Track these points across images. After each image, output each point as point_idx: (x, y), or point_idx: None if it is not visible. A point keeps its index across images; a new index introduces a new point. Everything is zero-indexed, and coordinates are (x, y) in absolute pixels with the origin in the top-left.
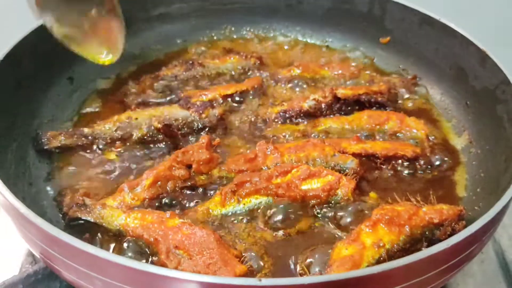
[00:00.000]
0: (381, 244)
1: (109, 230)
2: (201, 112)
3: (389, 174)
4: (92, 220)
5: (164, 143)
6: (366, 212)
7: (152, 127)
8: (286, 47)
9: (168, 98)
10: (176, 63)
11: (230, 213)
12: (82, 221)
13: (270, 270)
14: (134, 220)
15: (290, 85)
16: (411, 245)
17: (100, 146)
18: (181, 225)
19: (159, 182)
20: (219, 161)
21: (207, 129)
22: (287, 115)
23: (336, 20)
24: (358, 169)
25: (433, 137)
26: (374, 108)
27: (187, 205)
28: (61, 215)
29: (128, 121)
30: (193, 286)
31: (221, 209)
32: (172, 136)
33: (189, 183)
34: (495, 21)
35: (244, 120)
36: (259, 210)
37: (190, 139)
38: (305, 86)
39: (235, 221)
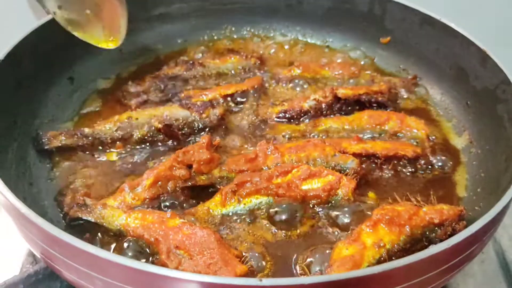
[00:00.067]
0: (381, 244)
1: (110, 230)
2: (201, 112)
3: (390, 174)
4: (92, 220)
5: (164, 143)
6: (366, 212)
7: (153, 127)
8: (286, 47)
9: (168, 98)
10: (176, 63)
11: (230, 213)
12: (83, 221)
13: (271, 270)
14: (135, 220)
15: (290, 85)
16: (411, 245)
17: (101, 146)
18: (182, 225)
19: (159, 182)
20: (219, 161)
21: (207, 129)
22: (287, 115)
23: (337, 20)
24: (359, 169)
25: (433, 137)
26: (375, 108)
27: (187, 205)
28: (61, 215)
29: (128, 121)
30: (193, 286)
31: (222, 209)
32: (173, 136)
33: (189, 183)
34: (495, 21)
35: (244, 120)
36: (263, 209)
37: (191, 139)
38: (305, 86)
39: (236, 221)
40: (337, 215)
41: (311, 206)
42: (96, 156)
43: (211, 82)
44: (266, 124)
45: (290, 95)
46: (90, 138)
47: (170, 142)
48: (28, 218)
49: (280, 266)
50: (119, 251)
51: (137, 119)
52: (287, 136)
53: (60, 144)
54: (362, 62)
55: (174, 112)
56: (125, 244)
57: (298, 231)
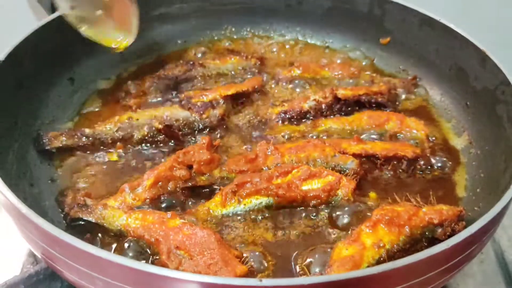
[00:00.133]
0: (381, 245)
1: (110, 231)
2: (201, 112)
3: (389, 175)
4: (93, 221)
5: (165, 143)
6: (366, 212)
7: (153, 128)
8: (286, 47)
9: (168, 99)
10: (176, 64)
11: (230, 214)
12: (84, 222)
13: (271, 270)
14: (135, 220)
15: (290, 85)
16: (411, 246)
17: (101, 147)
18: (182, 225)
19: (160, 183)
20: (220, 161)
21: (207, 129)
22: (287, 116)
23: (336, 20)
24: (358, 169)
25: (433, 137)
26: (374, 108)
27: (188, 205)
28: (62, 216)
29: (129, 122)
30: (194, 286)
31: (222, 209)
32: (173, 136)
33: (190, 183)
34: (495, 22)
35: (244, 120)
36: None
37: (191, 139)
38: (305, 86)
39: (236, 222)
40: (337, 216)
41: (311, 206)
42: (96, 156)
43: (211, 83)
44: (266, 124)
45: (290, 96)
46: (90, 138)
47: (170, 143)
48: (29, 218)
49: (280, 266)
50: (120, 251)
51: (137, 119)
52: (287, 136)
53: (60, 145)
54: (362, 63)
55: (174, 113)
56: (126, 245)
57: (298, 231)
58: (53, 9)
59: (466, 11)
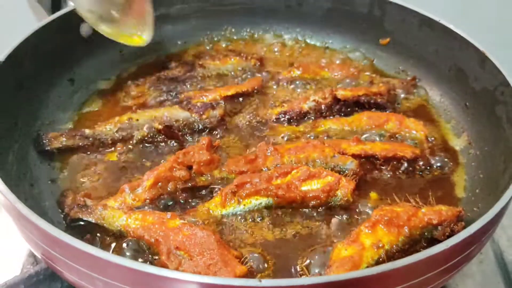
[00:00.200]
0: (380, 245)
1: (110, 231)
2: (201, 113)
3: (389, 175)
4: (93, 221)
5: (165, 144)
6: (365, 213)
7: (153, 128)
8: (286, 48)
9: (168, 99)
10: (176, 64)
11: (230, 214)
12: (83, 222)
13: (270, 271)
14: (135, 221)
15: (290, 86)
16: (410, 246)
17: (101, 147)
18: (182, 226)
19: (159, 183)
20: (219, 162)
21: (207, 130)
22: (287, 116)
23: (336, 21)
24: (358, 170)
25: (432, 138)
26: (374, 109)
27: (187, 206)
28: (62, 216)
29: (129, 122)
30: (193, 287)
31: (222, 209)
32: (173, 137)
33: (189, 184)
34: (494, 23)
35: (244, 121)
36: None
37: (191, 140)
38: (305, 87)
39: (236, 222)
40: (336, 216)
41: (311, 207)
42: (96, 157)
43: (211, 83)
44: (266, 125)
45: (289, 96)
46: (90, 139)
47: (170, 143)
48: (29, 219)
49: (279, 267)
50: (120, 252)
51: (137, 120)
52: (286, 137)
53: (60, 145)
54: (361, 63)
55: (174, 113)
56: (126, 245)
57: (298, 231)
58: (53, 9)
59: (466, 12)
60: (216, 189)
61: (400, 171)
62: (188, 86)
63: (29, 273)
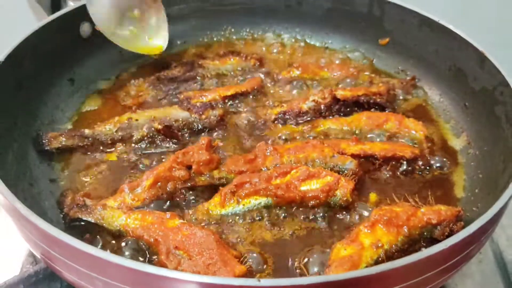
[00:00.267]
0: (379, 245)
1: (110, 231)
2: (201, 113)
3: (388, 175)
4: (92, 221)
5: (164, 144)
6: (364, 212)
7: (153, 128)
8: (285, 48)
9: (168, 99)
10: (176, 64)
11: (229, 214)
12: (83, 222)
13: (270, 271)
14: (135, 220)
15: (289, 86)
16: (409, 246)
17: (101, 147)
18: (181, 225)
19: (159, 183)
20: (219, 162)
21: (207, 130)
22: (286, 116)
23: (336, 21)
24: (357, 170)
25: (431, 138)
26: (373, 109)
27: (187, 205)
28: (61, 216)
29: (128, 122)
30: (193, 286)
31: (221, 209)
32: (173, 137)
33: (189, 183)
34: (494, 23)
35: (244, 121)
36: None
37: (190, 139)
38: (304, 87)
39: (235, 222)
40: (335, 216)
41: (310, 206)
42: (96, 157)
43: (210, 83)
44: (265, 125)
45: (289, 96)
46: (90, 139)
47: (169, 143)
48: (28, 219)
49: (279, 267)
50: (119, 251)
51: (137, 120)
52: (286, 137)
53: (60, 145)
54: (361, 63)
55: (174, 113)
56: (125, 245)
57: (297, 231)
58: (53, 9)
59: (465, 12)
60: (216, 189)
61: (399, 171)
62: (188, 86)
63: (29, 273)
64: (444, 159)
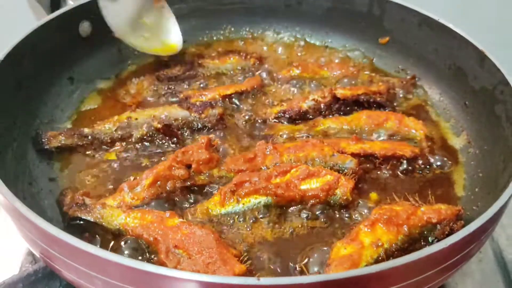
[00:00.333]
0: (379, 244)
1: (109, 230)
2: (200, 112)
3: (388, 174)
4: (92, 220)
5: (164, 143)
6: (364, 211)
7: (152, 127)
8: (285, 47)
9: (167, 98)
10: (175, 63)
11: (229, 213)
12: (82, 221)
13: (269, 269)
14: (134, 219)
15: (289, 85)
16: (409, 245)
17: (100, 146)
18: (181, 224)
19: (158, 182)
20: (218, 161)
21: (206, 129)
22: (286, 115)
23: (336, 20)
24: (357, 169)
25: (431, 137)
26: (373, 108)
27: (186, 204)
28: (61, 215)
29: (128, 121)
30: (192, 285)
31: (221, 208)
32: (172, 136)
33: (188, 183)
34: (494, 22)
35: (243, 120)
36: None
37: (190, 138)
38: (304, 86)
39: (235, 221)
40: (335, 215)
41: (310, 205)
42: (95, 156)
43: (210, 82)
44: (265, 124)
45: (289, 95)
46: (89, 138)
47: (169, 142)
48: (28, 217)
49: (278, 265)
50: (118, 250)
51: (136, 119)
52: (285, 136)
53: (59, 144)
54: (361, 62)
55: (173, 112)
56: (124, 244)
57: (297, 230)
58: (52, 8)
59: (465, 11)
60: (215, 188)
61: (399, 170)
62: (187, 85)
63: (28, 272)
64: (444, 158)
